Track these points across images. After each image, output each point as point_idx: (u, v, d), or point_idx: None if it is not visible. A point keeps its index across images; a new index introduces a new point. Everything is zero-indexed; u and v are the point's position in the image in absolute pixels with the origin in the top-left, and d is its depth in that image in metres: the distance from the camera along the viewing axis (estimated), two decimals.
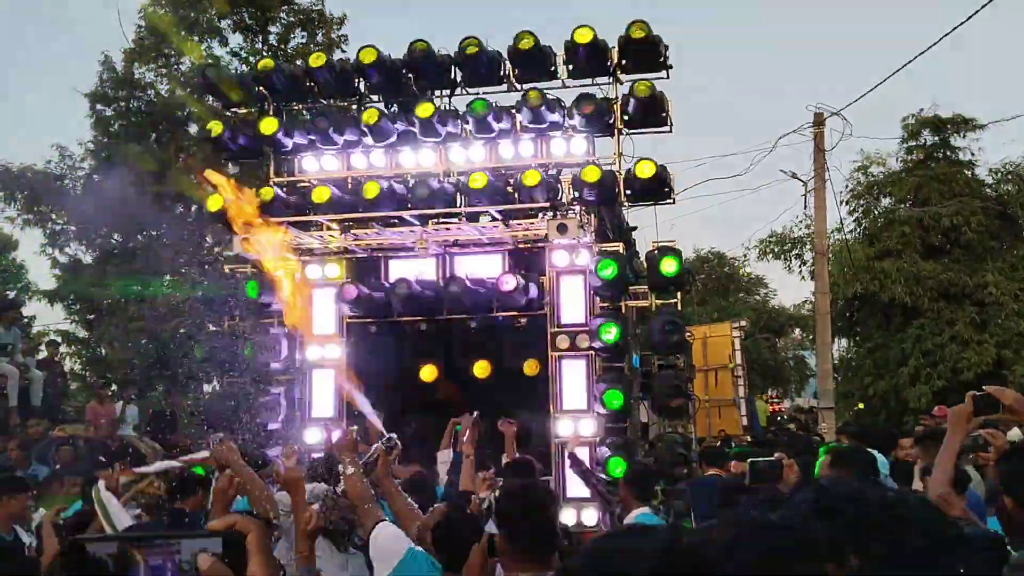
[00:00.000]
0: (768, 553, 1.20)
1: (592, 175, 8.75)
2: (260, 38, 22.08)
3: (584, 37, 8.98)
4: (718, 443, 18.01)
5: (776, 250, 26.10)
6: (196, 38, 21.37)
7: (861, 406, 24.37)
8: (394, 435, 5.24)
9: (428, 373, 9.42)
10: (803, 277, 25.97)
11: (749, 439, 18.65)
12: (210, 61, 19.68)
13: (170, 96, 21.04)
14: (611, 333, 8.50)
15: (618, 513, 6.86)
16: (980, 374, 20.50)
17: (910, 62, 16.72)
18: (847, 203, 23.96)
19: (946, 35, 13.62)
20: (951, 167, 22.76)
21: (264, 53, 21.05)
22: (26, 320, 24.56)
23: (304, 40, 22.09)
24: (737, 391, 21.08)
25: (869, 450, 4.66)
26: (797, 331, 38.86)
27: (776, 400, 36.85)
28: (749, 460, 3.86)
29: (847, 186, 23.97)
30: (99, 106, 21.27)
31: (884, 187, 23.70)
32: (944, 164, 22.90)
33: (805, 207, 19.36)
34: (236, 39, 21.99)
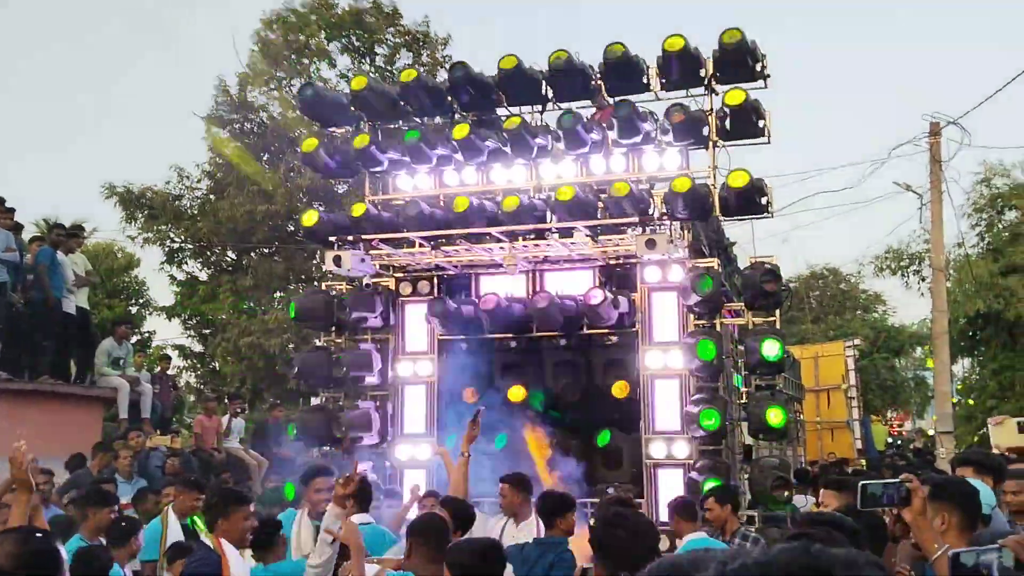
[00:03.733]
0: None
1: (683, 185, 8.46)
2: (367, 60, 22.60)
3: (676, 45, 8.76)
4: (828, 466, 17.26)
5: (893, 266, 25.07)
6: (306, 60, 22.02)
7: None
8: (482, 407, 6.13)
9: (516, 393, 9.30)
10: (922, 294, 24.88)
11: (864, 463, 17.87)
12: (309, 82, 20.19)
13: (281, 118, 21.71)
14: (708, 351, 8.23)
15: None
16: None
17: None
18: (968, 216, 22.85)
19: None
20: None
21: (372, 75, 21.51)
22: (147, 335, 25.73)
23: (410, 62, 22.49)
24: (851, 413, 20.27)
25: (971, 481, 4.29)
26: (919, 350, 37.22)
27: (899, 424, 35.35)
28: (861, 483, 3.56)
29: (968, 199, 22.86)
30: (214, 128, 22.14)
31: (1008, 199, 22.50)
32: None
33: (921, 221, 18.49)
34: (344, 61, 22.56)
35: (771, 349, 8.37)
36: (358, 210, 9.28)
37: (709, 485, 8.05)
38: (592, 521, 6.56)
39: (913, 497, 3.37)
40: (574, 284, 9.11)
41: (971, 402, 23.53)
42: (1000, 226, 22.87)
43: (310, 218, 9.76)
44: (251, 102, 22.24)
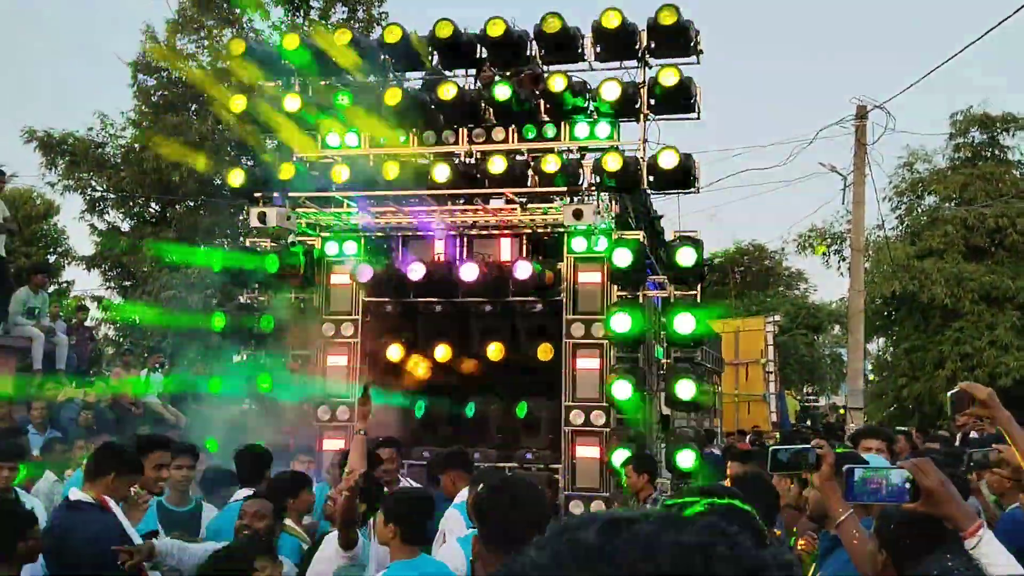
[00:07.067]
0: None
1: (614, 162, 8.57)
2: (301, 12, 22.11)
3: (612, 21, 8.79)
4: (747, 438, 17.75)
5: (816, 245, 25.66)
6: (238, 10, 21.46)
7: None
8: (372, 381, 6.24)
9: (443, 354, 9.32)
10: (842, 273, 25.52)
11: (778, 435, 18.42)
12: (238, 35, 19.70)
13: (210, 69, 21.15)
14: (624, 323, 8.34)
15: None
16: (1018, 380, 20.01)
17: (957, 54, 16.21)
18: (889, 200, 23.50)
19: (994, 27, 13.06)
20: (999, 166, 22.18)
21: (305, 28, 21.05)
22: (65, 284, 25.03)
23: (345, 16, 22.08)
24: (768, 387, 20.84)
25: (865, 455, 4.47)
26: (837, 328, 38.27)
27: (812, 397, 36.35)
28: (772, 448, 3.68)
29: (890, 182, 23.50)
30: (141, 76, 21.48)
31: (929, 185, 23.18)
32: (992, 163, 22.31)
33: (844, 202, 18.97)
34: (278, 12, 22.03)
35: (686, 325, 8.55)
36: (286, 170, 9.14)
37: (618, 453, 8.24)
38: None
39: (823, 463, 3.49)
40: (501, 251, 9.14)
41: (886, 378, 24.31)
42: (919, 210, 23.55)
43: (236, 177, 9.60)
44: (180, 50, 21.62)
